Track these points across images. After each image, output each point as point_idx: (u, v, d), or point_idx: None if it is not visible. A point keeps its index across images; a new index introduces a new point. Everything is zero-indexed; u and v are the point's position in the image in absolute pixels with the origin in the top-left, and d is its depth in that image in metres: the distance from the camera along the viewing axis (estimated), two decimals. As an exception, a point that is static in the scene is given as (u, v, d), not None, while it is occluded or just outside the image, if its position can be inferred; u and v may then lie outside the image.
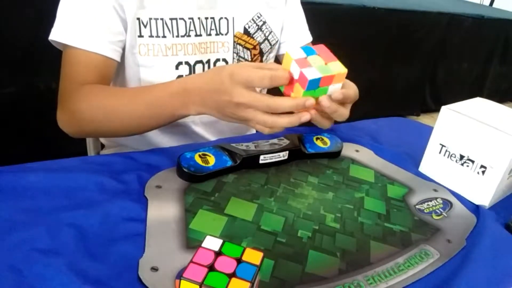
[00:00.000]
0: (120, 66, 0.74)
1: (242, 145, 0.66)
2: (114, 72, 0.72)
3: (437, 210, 0.63)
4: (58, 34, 0.67)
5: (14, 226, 0.45)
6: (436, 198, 0.65)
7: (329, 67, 0.55)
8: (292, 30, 0.90)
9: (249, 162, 0.64)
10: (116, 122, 0.65)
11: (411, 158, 0.76)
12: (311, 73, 0.53)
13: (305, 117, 0.55)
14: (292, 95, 0.55)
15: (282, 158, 0.67)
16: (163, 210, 0.53)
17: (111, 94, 0.66)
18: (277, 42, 0.87)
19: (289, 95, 0.56)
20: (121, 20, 0.69)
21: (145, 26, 0.70)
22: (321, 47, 0.57)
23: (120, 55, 0.71)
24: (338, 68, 0.55)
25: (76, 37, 0.66)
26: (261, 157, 0.65)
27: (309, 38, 0.93)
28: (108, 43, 0.68)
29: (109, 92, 0.67)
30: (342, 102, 0.59)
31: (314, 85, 0.53)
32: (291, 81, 0.55)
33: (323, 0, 2.13)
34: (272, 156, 0.66)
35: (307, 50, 0.55)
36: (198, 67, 0.77)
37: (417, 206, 0.63)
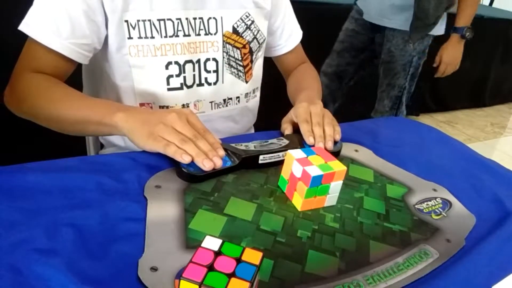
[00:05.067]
0: (104, 66, 0.76)
1: (241, 145, 0.66)
2: (70, 72, 0.73)
3: (436, 210, 0.63)
4: (26, 25, 0.68)
5: (13, 226, 0.45)
6: (435, 198, 0.65)
7: (329, 165, 0.58)
8: (286, 34, 0.93)
9: (249, 162, 0.64)
10: (46, 109, 0.67)
11: (410, 158, 0.76)
12: (314, 171, 0.56)
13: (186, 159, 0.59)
14: (295, 194, 0.58)
15: (282, 158, 0.67)
16: (162, 210, 0.53)
17: (53, 83, 0.69)
18: (264, 40, 0.89)
19: (292, 194, 0.59)
20: (90, 24, 0.68)
21: (133, 28, 0.71)
22: (320, 149, 0.62)
23: (84, 57, 0.71)
24: (338, 166, 0.58)
25: (41, 32, 0.67)
26: (261, 157, 0.65)
27: (300, 34, 0.97)
28: (71, 44, 0.68)
29: (51, 80, 0.69)
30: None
31: (316, 182, 0.56)
32: (293, 180, 0.58)
33: (323, 0, 2.13)
34: (272, 156, 0.66)
35: (307, 151, 0.60)
36: (188, 67, 0.78)
37: (416, 206, 0.63)
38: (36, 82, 0.68)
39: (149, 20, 0.72)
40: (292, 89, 0.93)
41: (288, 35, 0.94)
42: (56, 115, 0.66)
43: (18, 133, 1.51)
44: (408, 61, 1.60)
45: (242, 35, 0.83)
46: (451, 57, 1.66)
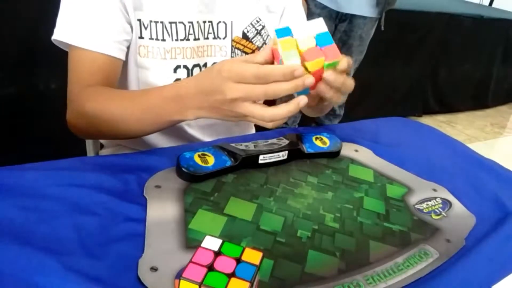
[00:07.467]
0: (124, 65, 0.74)
1: (241, 145, 0.66)
2: (120, 72, 0.72)
3: (436, 210, 0.63)
4: (61, 34, 0.66)
5: (13, 226, 0.45)
6: (435, 198, 0.65)
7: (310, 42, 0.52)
8: None
9: (249, 162, 0.64)
10: (117, 125, 0.64)
11: (410, 158, 0.76)
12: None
13: (303, 101, 0.52)
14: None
15: (282, 158, 0.67)
16: (162, 210, 0.53)
17: (112, 97, 0.65)
18: None
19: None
20: (126, 19, 0.69)
21: (145, 28, 0.71)
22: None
23: (125, 53, 0.70)
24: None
25: (80, 37, 0.66)
26: (261, 157, 0.65)
27: None
28: (113, 42, 0.67)
29: (110, 94, 0.66)
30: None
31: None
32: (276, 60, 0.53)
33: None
34: (272, 156, 0.66)
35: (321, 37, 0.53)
36: (196, 71, 0.77)
37: (416, 206, 0.63)
38: (92, 99, 0.65)
39: (162, 22, 0.71)
40: None
41: None
42: (122, 127, 0.64)
43: (18, 133, 1.51)
44: (370, 39, 1.88)
45: (252, 40, 0.81)
46: None
